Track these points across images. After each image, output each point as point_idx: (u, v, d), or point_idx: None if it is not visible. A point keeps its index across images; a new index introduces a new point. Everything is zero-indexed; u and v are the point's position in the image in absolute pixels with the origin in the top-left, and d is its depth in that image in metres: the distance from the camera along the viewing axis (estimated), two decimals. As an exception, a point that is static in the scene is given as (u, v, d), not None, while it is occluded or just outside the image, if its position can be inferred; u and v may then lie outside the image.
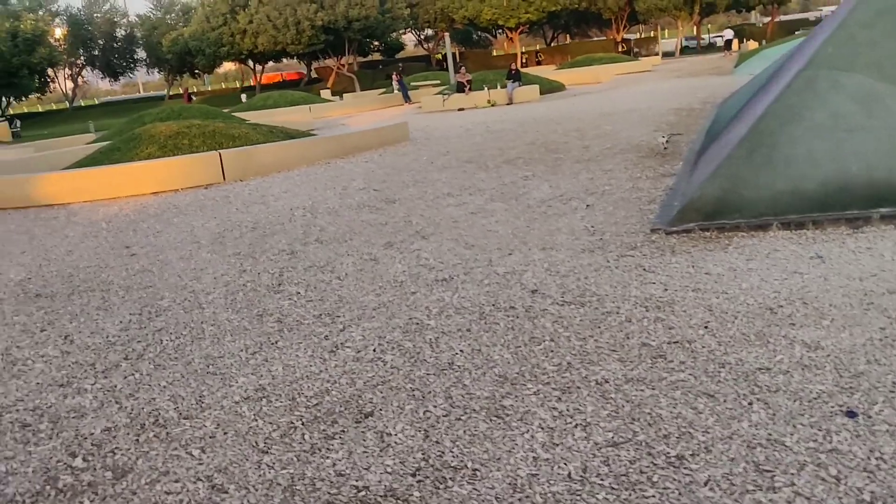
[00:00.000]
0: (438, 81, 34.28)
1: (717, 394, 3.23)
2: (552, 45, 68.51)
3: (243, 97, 39.22)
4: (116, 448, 3.38)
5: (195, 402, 3.76)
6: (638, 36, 69.02)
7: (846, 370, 3.33)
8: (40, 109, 73.55)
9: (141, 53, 62.94)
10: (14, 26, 35.99)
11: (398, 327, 4.46)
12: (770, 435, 2.87)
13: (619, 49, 57.04)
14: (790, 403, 3.09)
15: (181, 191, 11.33)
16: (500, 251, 5.91)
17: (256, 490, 2.91)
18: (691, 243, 5.57)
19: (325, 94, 41.50)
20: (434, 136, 15.35)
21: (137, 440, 3.43)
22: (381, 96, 34.06)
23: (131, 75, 70.02)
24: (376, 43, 59.28)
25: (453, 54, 37.16)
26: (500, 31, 60.15)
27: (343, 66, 53.25)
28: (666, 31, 68.73)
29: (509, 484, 2.76)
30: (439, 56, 64.28)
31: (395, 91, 32.84)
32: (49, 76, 54.05)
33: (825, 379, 3.27)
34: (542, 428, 3.12)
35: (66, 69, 60.27)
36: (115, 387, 4.05)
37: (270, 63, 61.51)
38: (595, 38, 69.34)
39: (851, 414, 2.95)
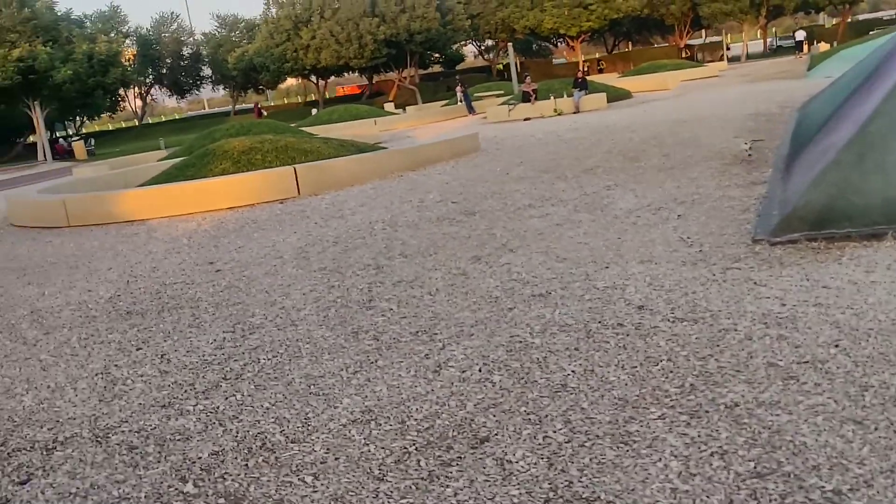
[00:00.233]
0: (502, 91, 34.18)
1: (866, 420, 2.98)
2: (613, 52, 67.82)
3: (314, 111, 39.70)
4: (226, 473, 3.29)
5: (301, 424, 3.66)
6: (702, 41, 67.82)
7: None
8: (111, 128, 75.81)
9: (206, 71, 64.44)
10: (90, 48, 37.10)
11: (501, 346, 4.30)
12: (935, 467, 2.63)
13: (683, 55, 56.12)
14: (951, 431, 2.83)
15: (257, 206, 11.40)
16: (595, 264, 5.71)
17: (378, 521, 2.78)
18: (799, 254, 5.28)
19: (389, 107, 41.79)
20: (505, 147, 15.20)
21: (247, 465, 3.34)
22: (445, 108, 34.11)
23: (197, 92, 71.73)
24: (437, 55, 59.53)
25: (515, 64, 36.99)
26: (561, 40, 59.79)
27: (405, 78, 53.60)
28: (728, 35, 67.35)
29: (650, 519, 2.57)
30: (500, 66, 64.24)
31: (459, 102, 32.81)
32: (120, 95, 55.63)
33: (985, 404, 3.00)
34: (675, 456, 2.92)
35: (136, 88, 62.02)
36: (218, 408, 3.98)
37: (332, 78, 62.22)
38: (656, 45, 68.41)
39: None
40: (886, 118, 5.73)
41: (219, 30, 62.22)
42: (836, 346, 3.69)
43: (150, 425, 3.88)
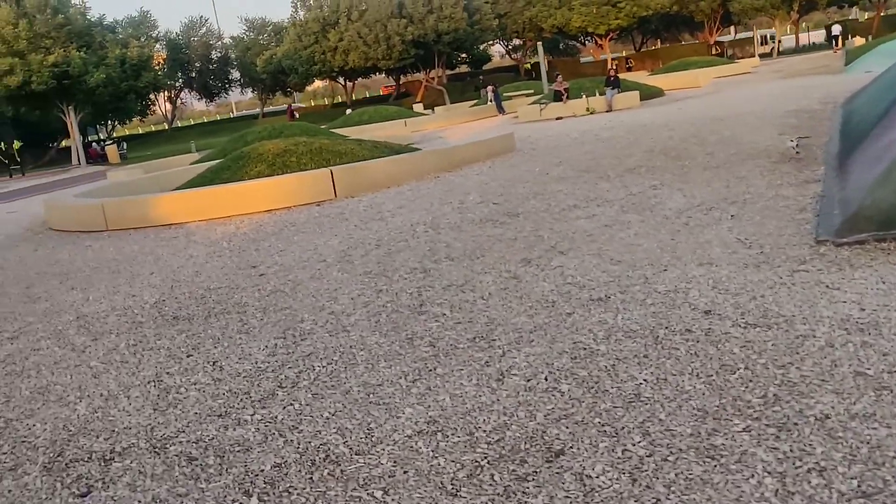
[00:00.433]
0: (531, 91, 33.96)
1: (974, 434, 2.80)
2: (641, 50, 67.26)
3: (349, 111, 39.72)
4: (291, 487, 3.18)
5: (364, 435, 3.54)
6: (733, 37, 67.02)
7: None
8: (140, 131, 76.65)
9: (235, 74, 64.89)
10: (123, 53, 37.44)
11: (564, 353, 4.15)
12: None
13: (713, 52, 55.52)
14: None
15: (293, 208, 11.33)
16: (652, 267, 5.54)
17: (457, 540, 2.65)
18: (868, 256, 5.08)
19: (418, 107, 41.76)
20: (540, 146, 15.02)
21: (311, 478, 3.23)
22: (474, 108, 33.98)
23: (226, 95, 72.28)
24: (464, 55, 59.41)
25: (544, 63, 36.73)
26: (589, 38, 59.37)
27: (432, 79, 53.53)
28: (757, 31, 66.49)
29: (751, 541, 2.42)
30: (528, 66, 63.96)
31: (489, 102, 32.65)
32: (151, 99, 56.15)
33: None
34: (769, 472, 2.76)
35: (166, 92, 62.60)
36: (276, 418, 3.87)
37: (359, 79, 62.36)
38: (685, 42, 67.75)
39: None
40: (957, 113, 5.51)
41: (247, 33, 62.65)
42: (926, 353, 3.50)
43: (208, 435, 3.78)
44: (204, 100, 70.03)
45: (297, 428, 3.73)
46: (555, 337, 4.42)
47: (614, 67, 29.58)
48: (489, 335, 4.62)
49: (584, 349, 4.16)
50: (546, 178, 10.67)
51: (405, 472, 3.16)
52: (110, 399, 4.46)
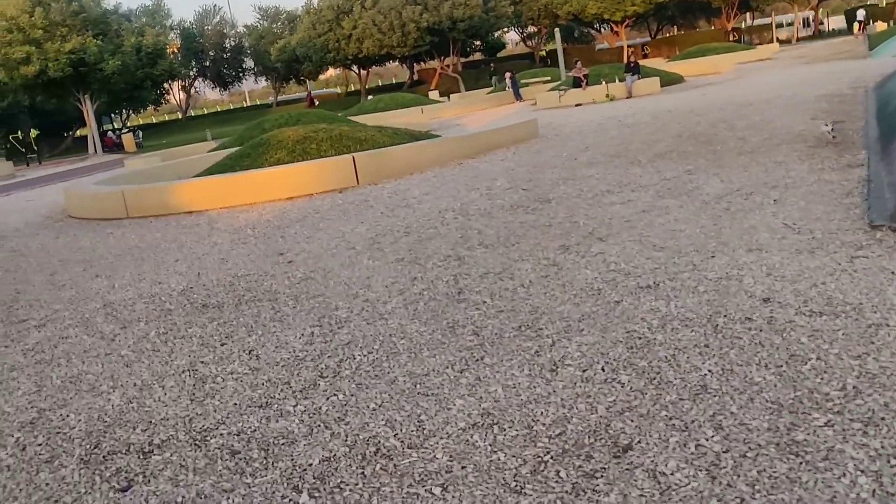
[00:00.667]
0: (549, 78, 33.66)
1: None
2: (657, 37, 66.64)
3: (370, 97, 39.53)
4: (343, 483, 3.02)
5: (415, 427, 3.37)
6: (750, 22, 66.30)
7: None
8: (154, 121, 76.73)
9: (249, 62, 64.73)
10: (138, 41, 37.34)
11: (619, 342, 3.97)
12: None
13: (730, 38, 54.93)
14: None
15: (315, 195, 11.16)
16: (698, 253, 5.34)
17: (529, 542, 2.48)
18: (928, 241, 4.86)
19: (433, 95, 41.52)
20: (564, 133, 14.79)
21: (363, 473, 3.06)
22: (491, 95, 33.71)
23: (239, 84, 72.14)
24: (478, 42, 59.01)
25: (562, 50, 36.36)
26: (605, 25, 58.82)
27: (447, 66, 53.20)
28: (773, 16, 65.70)
29: (854, 546, 2.24)
30: (543, 52, 63.51)
31: (507, 89, 32.38)
32: (165, 88, 56.07)
33: None
34: (862, 471, 2.58)
35: (180, 81, 62.52)
36: (320, 409, 3.71)
37: (373, 67, 62.07)
38: (701, 29, 67.06)
39: None
40: None
41: (261, 21, 62.51)
42: None
43: (250, 427, 3.62)
44: (217, 88, 69.95)
45: (343, 420, 3.56)
46: (606, 326, 4.23)
47: (634, 53, 29.20)
48: (535, 324, 4.44)
49: (640, 338, 3.97)
50: (574, 163, 10.46)
51: (463, 468, 2.99)
52: (144, 389, 4.31)
